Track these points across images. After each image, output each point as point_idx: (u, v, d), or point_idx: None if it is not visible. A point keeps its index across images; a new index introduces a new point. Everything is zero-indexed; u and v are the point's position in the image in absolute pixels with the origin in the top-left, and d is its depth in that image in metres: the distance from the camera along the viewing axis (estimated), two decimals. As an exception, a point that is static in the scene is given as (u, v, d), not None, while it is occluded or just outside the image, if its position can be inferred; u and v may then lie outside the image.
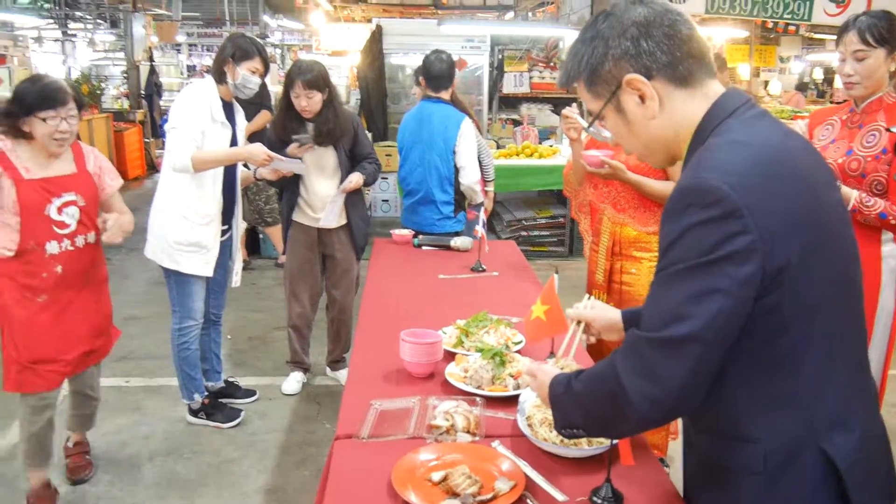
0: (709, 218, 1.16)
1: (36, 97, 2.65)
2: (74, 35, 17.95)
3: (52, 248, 2.79)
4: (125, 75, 12.84)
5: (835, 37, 2.85)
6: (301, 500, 3.21)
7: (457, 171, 4.17)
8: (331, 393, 4.22)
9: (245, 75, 3.38)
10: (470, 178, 4.16)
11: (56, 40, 18.06)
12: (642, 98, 1.31)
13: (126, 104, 13.03)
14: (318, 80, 3.60)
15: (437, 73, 4.12)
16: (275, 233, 6.37)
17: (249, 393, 4.09)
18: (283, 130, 3.72)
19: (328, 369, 4.36)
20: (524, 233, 7.08)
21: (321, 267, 4.11)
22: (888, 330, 2.74)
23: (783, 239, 1.17)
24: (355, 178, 3.78)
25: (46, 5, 15.77)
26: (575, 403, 1.37)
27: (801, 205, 1.21)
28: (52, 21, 16.35)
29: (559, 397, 1.41)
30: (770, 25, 9.69)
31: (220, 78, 3.44)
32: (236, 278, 3.91)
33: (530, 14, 11.09)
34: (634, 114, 1.33)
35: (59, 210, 2.79)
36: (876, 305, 2.70)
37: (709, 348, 1.19)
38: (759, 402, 1.26)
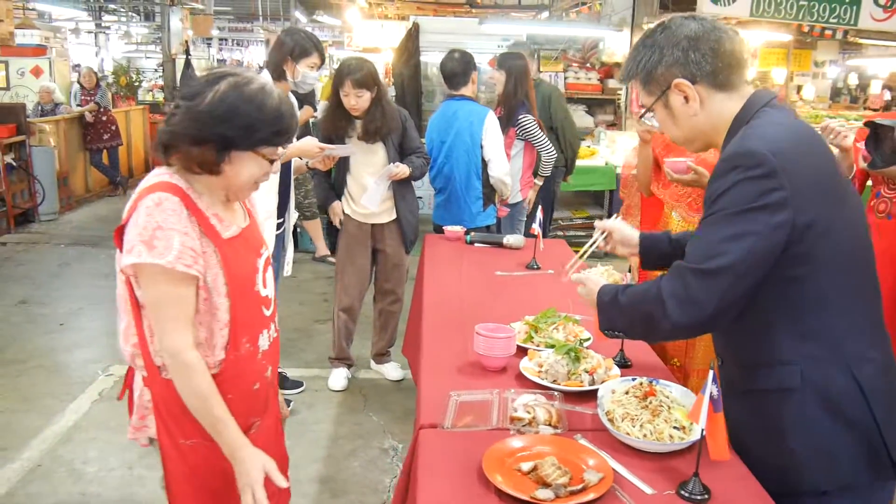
0: (751, 176, 1.47)
1: (271, 129, 1.67)
2: (108, 27, 18.20)
3: (264, 342, 1.83)
4: (161, 68, 12.98)
5: (878, 42, 2.91)
6: (352, 489, 3.25)
7: (485, 164, 4.21)
8: (375, 386, 4.27)
9: (305, 72, 3.43)
10: (498, 170, 4.21)
11: (90, 32, 18.32)
12: (686, 98, 1.63)
13: (158, 97, 13.20)
14: (368, 78, 3.63)
15: (449, 72, 4.25)
16: (313, 227, 6.43)
17: (297, 384, 4.15)
18: (333, 129, 3.76)
19: (372, 362, 4.41)
20: (560, 233, 7.09)
21: (371, 262, 4.16)
22: None
23: (811, 198, 1.48)
24: (402, 168, 3.82)
25: (82, -4, 16.02)
26: (620, 313, 1.70)
27: (824, 173, 1.54)
28: (87, 13, 16.60)
29: (606, 305, 1.73)
30: (806, 29, 9.65)
31: (279, 76, 3.48)
32: (288, 268, 3.96)
33: (565, 14, 11.09)
34: (679, 110, 1.65)
35: (265, 277, 1.86)
36: None
37: (739, 280, 1.50)
38: (796, 334, 1.56)
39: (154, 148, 1.73)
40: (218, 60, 20.41)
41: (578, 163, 6.96)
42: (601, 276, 1.98)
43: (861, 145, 2.89)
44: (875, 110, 10.87)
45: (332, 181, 4.03)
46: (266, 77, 3.54)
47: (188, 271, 1.62)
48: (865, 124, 2.79)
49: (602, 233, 2.09)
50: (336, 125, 3.76)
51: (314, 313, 5.44)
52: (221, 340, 1.73)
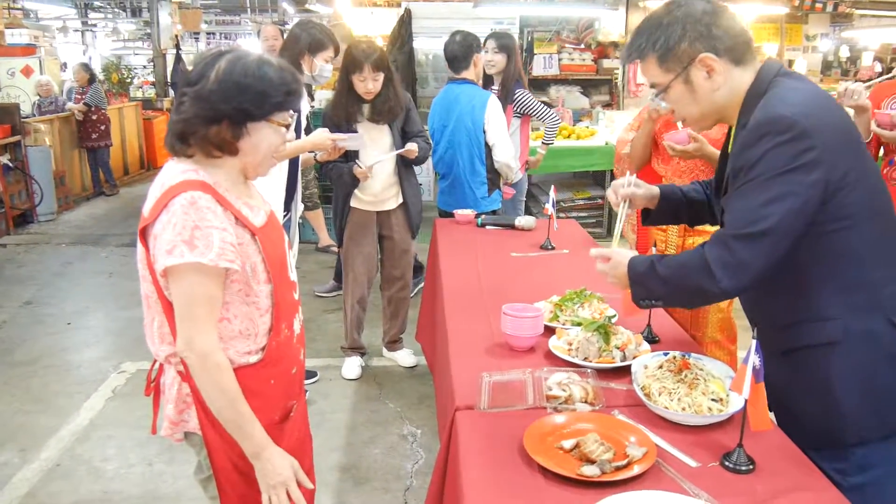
0: (783, 140, 1.52)
1: (280, 92, 1.66)
2: (95, 25, 18.05)
3: (297, 325, 1.87)
4: (151, 63, 12.89)
5: (868, 12, 2.96)
6: (375, 476, 3.25)
7: (489, 149, 4.19)
8: (389, 373, 4.26)
9: (322, 66, 3.43)
10: (503, 154, 4.18)
11: (76, 30, 18.17)
12: (709, 73, 1.65)
13: (150, 93, 13.10)
14: (383, 60, 3.60)
15: (451, 55, 4.20)
16: (315, 217, 6.39)
17: (311, 374, 4.13)
18: (345, 115, 3.72)
19: (385, 350, 4.40)
20: (562, 214, 7.07)
21: (378, 250, 4.14)
22: None
23: (840, 154, 1.54)
24: (413, 146, 3.79)
25: (68, -6, 15.87)
26: (660, 282, 1.71)
27: (846, 131, 1.62)
28: (73, 10, 16.44)
29: (641, 275, 1.75)
30: (797, 3, 9.63)
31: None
32: (293, 261, 3.93)
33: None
34: (701, 86, 1.67)
35: (291, 264, 1.89)
36: None
37: (782, 239, 1.56)
38: (836, 288, 1.62)
39: (167, 142, 1.70)
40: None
41: (578, 143, 6.97)
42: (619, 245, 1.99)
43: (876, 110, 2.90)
44: (866, 82, 10.92)
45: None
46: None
47: (232, 266, 1.61)
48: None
49: (625, 202, 2.06)
50: (348, 111, 3.71)
51: (322, 303, 5.42)
52: (263, 327, 1.73)
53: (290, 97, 1.69)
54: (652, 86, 1.76)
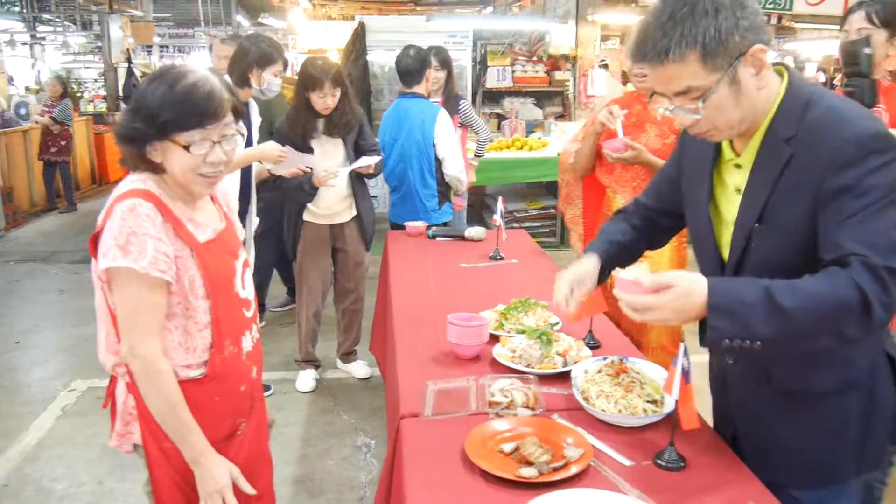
0: (891, 159, 1.37)
1: (175, 110, 1.61)
2: (44, 38, 17.72)
3: (247, 343, 1.85)
4: (102, 77, 12.71)
5: (809, 25, 3.01)
6: (329, 488, 3.26)
7: (439, 162, 4.26)
8: (343, 385, 4.28)
9: (270, 79, 3.45)
10: (452, 168, 4.27)
11: (24, 44, 17.82)
12: (758, 69, 1.41)
13: (102, 107, 12.92)
14: (340, 76, 3.66)
15: (404, 69, 4.27)
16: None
17: (265, 388, 4.11)
18: (302, 131, 3.74)
19: (339, 362, 4.42)
20: (516, 224, 7.16)
21: (332, 262, 4.16)
22: None
23: None
24: (375, 160, 3.81)
25: (15, 8, 15.58)
26: (778, 317, 1.34)
27: None
28: (21, 23, 16.14)
29: (744, 307, 1.35)
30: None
31: (242, 83, 3.47)
32: (247, 277, 3.94)
33: (508, 9, 11.18)
34: (748, 84, 1.42)
35: (243, 279, 1.86)
36: None
37: None
38: None
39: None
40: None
41: (531, 154, 7.08)
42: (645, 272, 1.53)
43: None
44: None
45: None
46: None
47: (162, 276, 1.63)
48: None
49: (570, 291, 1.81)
50: (305, 128, 3.74)
51: (278, 317, 5.41)
52: (203, 342, 1.75)
53: (188, 117, 1.63)
54: (684, 92, 1.42)
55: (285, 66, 3.54)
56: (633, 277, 1.45)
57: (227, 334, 1.77)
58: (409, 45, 4.29)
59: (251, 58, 3.43)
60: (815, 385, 1.56)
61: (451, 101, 4.79)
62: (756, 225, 1.52)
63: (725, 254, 1.64)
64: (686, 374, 1.55)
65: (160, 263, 1.62)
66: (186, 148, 1.65)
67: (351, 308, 4.23)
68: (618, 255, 1.87)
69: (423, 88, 4.29)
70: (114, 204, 1.66)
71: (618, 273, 1.51)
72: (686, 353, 1.54)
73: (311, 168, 3.73)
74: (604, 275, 1.86)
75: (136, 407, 1.73)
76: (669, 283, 1.41)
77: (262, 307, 4.92)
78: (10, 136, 8.72)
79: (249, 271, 1.92)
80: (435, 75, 4.67)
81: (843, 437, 1.58)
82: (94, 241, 1.68)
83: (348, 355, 4.36)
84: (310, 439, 3.68)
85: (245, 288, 1.87)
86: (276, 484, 3.22)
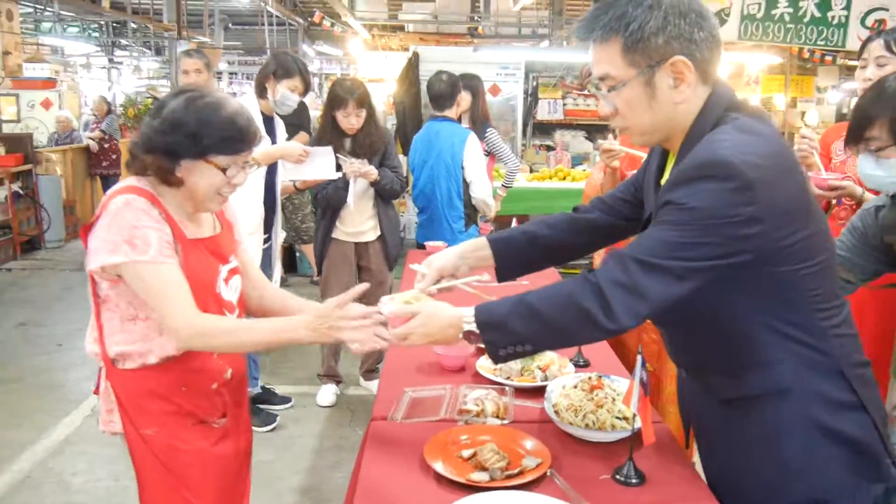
0: (724, 188, 1.31)
1: (216, 137, 1.71)
2: (121, 63, 18.58)
3: None
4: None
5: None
6: (335, 499, 3.29)
7: (466, 185, 4.31)
8: (363, 402, 4.31)
9: (284, 93, 3.53)
10: (480, 191, 4.31)
11: (102, 67, 18.71)
12: (677, 81, 1.40)
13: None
14: (365, 97, 3.77)
15: (436, 93, 4.33)
16: (311, 251, 6.52)
17: (285, 400, 4.20)
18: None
19: (361, 379, 4.46)
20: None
21: (356, 280, 4.23)
22: None
23: (789, 214, 1.36)
24: (373, 171, 3.83)
25: (94, 34, 16.39)
26: (530, 317, 1.45)
27: (801, 189, 1.41)
28: (99, 48, 16.96)
29: (502, 317, 1.49)
30: (806, 55, 9.75)
31: (261, 93, 3.61)
32: (275, 286, 4.03)
33: (565, 42, 11.24)
34: (663, 93, 1.42)
35: (227, 283, 1.92)
36: None
37: (687, 283, 1.37)
38: (783, 335, 1.43)
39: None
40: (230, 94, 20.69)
41: (575, 185, 7.05)
42: (407, 302, 1.73)
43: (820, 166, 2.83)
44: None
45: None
46: (245, 97, 3.69)
47: (169, 262, 1.71)
48: None
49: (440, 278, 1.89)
50: (333, 143, 3.84)
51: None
52: None
53: (228, 143, 1.73)
54: (603, 77, 1.45)
55: (305, 85, 3.61)
56: (389, 312, 1.66)
57: None
58: (440, 70, 4.38)
59: (270, 68, 3.54)
60: (745, 390, 1.50)
61: (476, 125, 4.83)
62: None
63: None
64: (645, 387, 1.54)
65: (166, 250, 1.71)
66: (223, 170, 1.75)
67: (373, 326, 4.27)
68: (524, 248, 1.88)
69: (454, 112, 4.36)
70: (108, 200, 1.74)
71: (382, 307, 1.69)
72: (644, 365, 1.53)
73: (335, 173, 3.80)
74: (507, 271, 1.91)
75: (114, 394, 1.80)
76: (415, 311, 1.60)
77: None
78: (75, 153, 9.15)
79: (238, 278, 1.96)
80: (460, 95, 4.75)
81: (779, 448, 1.47)
82: (85, 232, 1.77)
83: (370, 373, 4.41)
84: (322, 451, 3.72)
85: (229, 291, 1.92)
86: (283, 493, 3.31)
